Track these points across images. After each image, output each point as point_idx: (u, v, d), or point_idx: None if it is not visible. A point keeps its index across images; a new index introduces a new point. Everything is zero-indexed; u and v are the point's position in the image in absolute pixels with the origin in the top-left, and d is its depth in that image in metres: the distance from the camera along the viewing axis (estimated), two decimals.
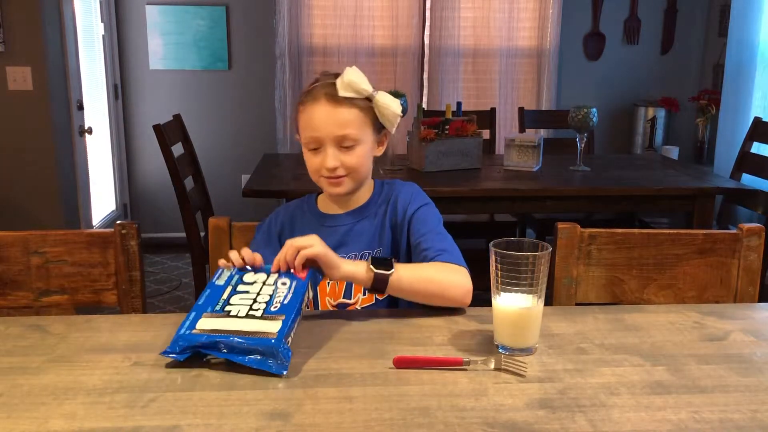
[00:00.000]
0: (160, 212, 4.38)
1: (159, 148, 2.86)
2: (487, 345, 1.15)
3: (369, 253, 1.40)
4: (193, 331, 1.09)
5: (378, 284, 1.24)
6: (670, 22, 4.52)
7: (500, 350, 1.13)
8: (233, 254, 1.25)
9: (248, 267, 1.22)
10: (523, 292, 1.09)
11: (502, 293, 1.10)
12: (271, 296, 1.15)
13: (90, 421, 0.91)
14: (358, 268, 1.25)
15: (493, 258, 1.10)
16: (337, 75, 1.37)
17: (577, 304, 1.49)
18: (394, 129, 1.41)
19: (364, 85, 1.35)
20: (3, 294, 1.45)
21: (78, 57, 3.61)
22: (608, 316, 1.30)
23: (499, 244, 1.10)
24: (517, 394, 0.99)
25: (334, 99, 1.34)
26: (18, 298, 1.46)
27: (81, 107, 3.63)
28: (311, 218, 1.46)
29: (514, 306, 1.10)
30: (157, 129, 2.86)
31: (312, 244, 1.20)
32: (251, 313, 1.12)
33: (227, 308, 1.13)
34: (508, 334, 1.13)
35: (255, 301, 1.14)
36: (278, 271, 1.21)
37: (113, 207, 4.27)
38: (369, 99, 1.37)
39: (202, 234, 2.63)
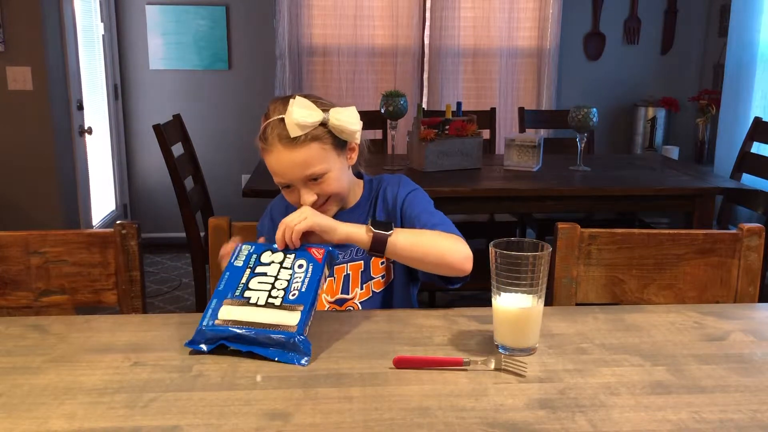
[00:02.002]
0: (160, 212, 4.38)
1: (159, 148, 2.86)
2: (487, 345, 1.15)
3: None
4: (216, 321, 1.11)
5: (377, 244, 1.24)
6: (670, 22, 4.52)
7: (500, 350, 1.13)
8: (229, 244, 1.28)
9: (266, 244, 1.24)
10: (523, 292, 1.09)
11: (502, 293, 1.10)
12: (288, 281, 1.16)
13: (90, 421, 0.91)
14: (358, 229, 1.25)
15: (493, 258, 1.10)
16: (287, 101, 1.31)
17: (577, 304, 1.49)
18: (358, 140, 1.38)
19: (313, 116, 1.29)
20: (3, 294, 1.45)
21: (78, 57, 3.61)
22: (608, 316, 1.30)
23: (499, 244, 1.10)
24: (517, 394, 0.99)
25: (289, 141, 1.29)
26: (18, 298, 1.46)
27: (81, 107, 3.63)
28: None
29: (514, 306, 1.10)
30: (157, 129, 2.86)
31: (304, 218, 1.21)
32: (270, 301, 1.14)
33: (247, 294, 1.15)
34: (508, 334, 1.13)
35: (273, 286, 1.16)
36: (294, 250, 1.20)
37: (113, 207, 4.27)
38: (323, 123, 1.31)
39: (202, 234, 2.63)
